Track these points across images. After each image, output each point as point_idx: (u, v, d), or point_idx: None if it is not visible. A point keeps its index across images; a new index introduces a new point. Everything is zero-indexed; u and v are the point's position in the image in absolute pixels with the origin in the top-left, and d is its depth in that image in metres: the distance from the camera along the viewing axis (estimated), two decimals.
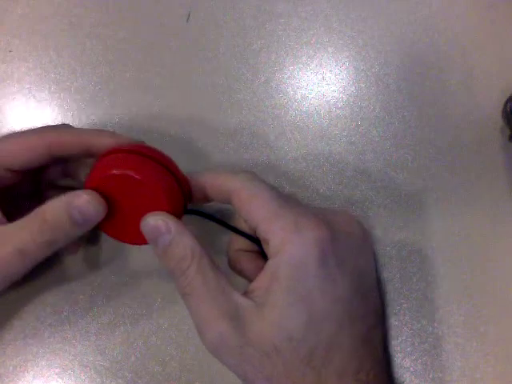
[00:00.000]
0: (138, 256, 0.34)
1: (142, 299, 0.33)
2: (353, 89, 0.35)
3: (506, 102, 0.32)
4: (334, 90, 0.35)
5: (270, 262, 0.26)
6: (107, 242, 0.34)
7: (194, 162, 0.35)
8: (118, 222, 0.27)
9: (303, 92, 0.35)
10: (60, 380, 0.33)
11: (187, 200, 0.28)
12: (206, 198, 0.29)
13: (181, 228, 0.26)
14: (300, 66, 0.36)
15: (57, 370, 0.33)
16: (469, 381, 0.30)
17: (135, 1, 0.38)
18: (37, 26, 0.38)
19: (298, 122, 0.35)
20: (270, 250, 0.26)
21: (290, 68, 0.36)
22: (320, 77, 0.36)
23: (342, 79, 0.35)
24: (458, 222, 0.33)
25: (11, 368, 0.33)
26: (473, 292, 0.32)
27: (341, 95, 0.35)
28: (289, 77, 0.36)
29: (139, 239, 0.27)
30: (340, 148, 0.34)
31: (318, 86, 0.35)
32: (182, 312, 0.33)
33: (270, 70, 0.36)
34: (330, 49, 0.36)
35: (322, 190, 0.34)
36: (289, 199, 0.28)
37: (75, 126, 0.34)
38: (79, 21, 0.38)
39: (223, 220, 0.29)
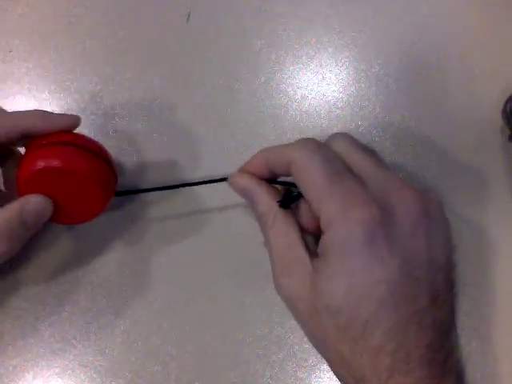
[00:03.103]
0: (138, 256, 0.34)
1: (142, 299, 0.33)
2: (353, 89, 0.35)
3: (506, 102, 0.32)
4: (334, 90, 0.35)
5: (321, 238, 0.27)
6: (107, 241, 0.34)
7: (194, 162, 0.35)
8: (61, 210, 0.29)
9: (303, 92, 0.35)
10: (60, 380, 0.33)
11: (116, 181, 0.31)
12: (273, 174, 0.30)
13: (260, 189, 0.29)
14: (300, 65, 0.36)
15: (57, 370, 0.33)
16: (469, 381, 0.30)
17: (135, 1, 0.38)
18: (37, 26, 0.38)
19: (297, 121, 0.35)
20: (321, 226, 0.27)
21: (290, 68, 0.36)
22: (320, 77, 0.36)
23: (341, 79, 0.35)
24: (458, 221, 0.33)
25: (11, 368, 0.33)
26: (473, 292, 0.32)
27: (341, 95, 0.35)
28: (289, 77, 0.36)
29: (84, 218, 0.30)
30: None
31: (318, 85, 0.35)
32: (182, 312, 0.33)
33: (270, 70, 0.36)
34: (330, 49, 0.36)
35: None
36: (343, 171, 0.27)
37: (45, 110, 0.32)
38: (79, 21, 0.38)
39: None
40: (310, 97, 0.35)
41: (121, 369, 0.33)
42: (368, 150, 0.29)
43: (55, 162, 0.27)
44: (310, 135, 0.34)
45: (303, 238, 0.28)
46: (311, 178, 0.27)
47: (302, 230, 0.28)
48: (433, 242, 0.27)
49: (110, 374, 0.32)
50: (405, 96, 0.34)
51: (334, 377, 0.31)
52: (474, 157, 0.33)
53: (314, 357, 0.32)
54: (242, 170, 0.30)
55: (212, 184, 0.31)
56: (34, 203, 0.28)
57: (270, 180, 0.30)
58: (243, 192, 0.30)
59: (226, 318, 0.33)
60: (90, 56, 0.37)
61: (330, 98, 0.35)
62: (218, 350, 0.32)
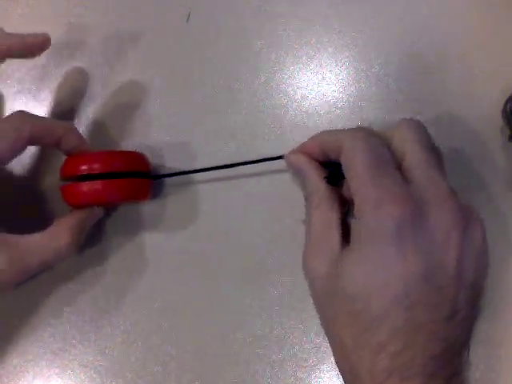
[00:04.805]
0: (138, 256, 0.34)
1: (142, 299, 0.33)
2: (353, 89, 0.35)
3: (506, 102, 0.32)
4: (334, 90, 0.35)
5: (352, 224, 0.27)
6: (107, 242, 0.34)
7: (194, 162, 0.35)
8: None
9: (303, 92, 0.35)
10: (60, 380, 0.33)
11: (150, 172, 0.33)
12: (327, 156, 0.30)
13: (311, 169, 0.31)
14: (300, 65, 0.36)
15: (57, 370, 0.33)
16: (469, 381, 0.30)
17: (135, 1, 0.38)
18: (37, 26, 0.38)
19: (297, 121, 0.35)
20: (354, 212, 0.27)
21: (290, 68, 0.36)
22: (320, 77, 0.36)
23: (342, 79, 0.35)
24: None
25: (11, 368, 0.33)
26: None
27: (341, 95, 0.35)
28: (289, 77, 0.36)
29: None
30: None
31: (318, 85, 0.35)
32: (182, 312, 0.33)
33: (270, 70, 0.36)
34: (330, 49, 0.36)
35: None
36: (387, 164, 0.27)
37: (74, 125, 0.34)
38: (79, 21, 0.38)
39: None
40: (310, 97, 0.35)
41: (121, 369, 0.33)
42: (428, 147, 0.28)
43: (100, 199, 0.31)
44: (309, 135, 0.34)
45: (342, 222, 0.28)
46: (354, 166, 0.27)
47: (348, 203, 0.30)
48: (464, 258, 0.26)
49: (110, 374, 0.33)
50: (405, 96, 0.34)
51: (334, 377, 0.31)
52: (473, 157, 0.33)
53: (314, 357, 0.32)
54: (298, 150, 0.32)
55: (212, 184, 0.31)
56: (97, 214, 0.33)
57: (324, 163, 0.31)
58: (296, 170, 0.32)
59: (226, 318, 0.33)
60: (90, 56, 0.37)
61: (329, 97, 0.35)
62: (217, 350, 0.32)
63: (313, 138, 0.31)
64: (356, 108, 0.35)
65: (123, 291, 0.33)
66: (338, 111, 0.35)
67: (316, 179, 0.30)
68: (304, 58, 0.36)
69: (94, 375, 0.33)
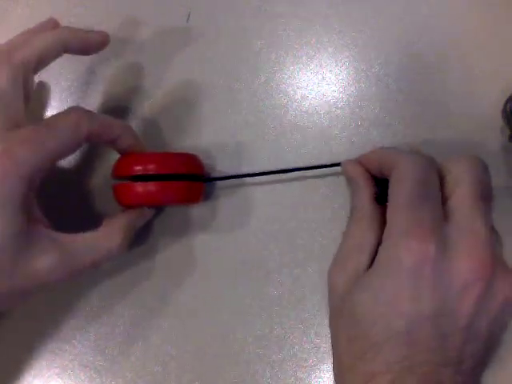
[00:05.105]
0: (138, 256, 0.34)
1: (142, 299, 0.33)
2: (353, 89, 0.35)
3: (506, 102, 0.32)
4: (333, 90, 0.35)
5: (379, 248, 0.27)
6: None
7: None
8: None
9: (303, 92, 0.35)
10: (60, 380, 0.33)
11: (203, 175, 0.33)
12: (381, 173, 0.30)
13: (363, 183, 0.30)
14: (300, 65, 0.36)
15: (57, 370, 0.33)
16: None
17: (135, 1, 0.38)
18: None
19: (297, 122, 0.35)
20: (383, 236, 0.27)
21: (290, 68, 0.36)
22: (320, 77, 0.36)
23: (342, 79, 0.35)
24: None
25: (11, 368, 0.33)
26: None
27: (341, 95, 0.35)
28: (289, 77, 0.36)
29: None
30: (340, 148, 0.34)
31: (318, 85, 0.35)
32: (182, 312, 0.33)
33: (270, 70, 0.36)
34: (330, 49, 0.36)
35: (322, 190, 0.34)
36: (430, 200, 0.26)
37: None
38: (79, 21, 0.38)
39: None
40: (310, 97, 0.35)
41: (121, 369, 0.33)
42: (481, 195, 0.27)
43: (154, 200, 0.31)
44: (309, 135, 0.34)
45: (375, 246, 0.28)
46: (398, 190, 0.27)
47: None
48: (479, 315, 0.25)
49: (109, 374, 0.33)
50: (405, 96, 0.34)
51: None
52: (473, 155, 0.33)
53: (314, 357, 0.32)
54: (357, 160, 0.31)
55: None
56: (147, 215, 0.33)
57: (378, 179, 0.30)
58: (350, 179, 0.31)
59: (226, 318, 0.33)
60: (90, 56, 0.37)
61: (329, 97, 0.35)
62: (217, 350, 0.32)
63: (373, 152, 0.31)
64: (356, 108, 0.35)
65: (123, 291, 0.33)
66: (338, 111, 0.35)
67: (364, 195, 0.30)
68: (304, 58, 0.36)
69: (94, 375, 0.33)
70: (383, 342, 0.25)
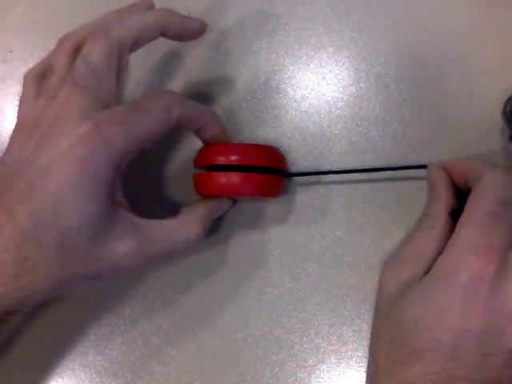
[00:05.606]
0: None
1: (142, 299, 0.33)
2: (353, 89, 0.35)
3: (506, 102, 0.32)
4: (333, 90, 0.35)
5: (440, 257, 0.27)
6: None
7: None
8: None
9: (303, 92, 0.35)
10: (60, 380, 0.33)
11: (284, 170, 0.33)
12: (465, 184, 0.29)
13: (444, 192, 0.29)
14: (300, 65, 0.36)
15: (57, 370, 0.33)
16: None
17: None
18: (37, 26, 0.38)
19: (297, 122, 0.35)
20: (447, 243, 0.27)
21: (290, 68, 0.36)
22: (320, 77, 0.36)
23: (342, 79, 0.35)
24: None
25: (12, 368, 0.33)
26: None
27: (341, 95, 0.35)
28: (289, 77, 0.36)
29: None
30: (340, 148, 0.34)
31: (318, 85, 0.35)
32: (182, 312, 0.33)
33: (270, 70, 0.36)
34: (330, 49, 0.36)
35: (322, 191, 0.34)
36: (505, 219, 0.26)
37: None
38: (79, 21, 0.38)
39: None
40: (309, 97, 0.35)
41: (121, 369, 0.33)
42: None
43: (237, 191, 0.30)
44: (309, 135, 0.34)
45: (436, 258, 0.27)
46: (475, 205, 0.26)
47: None
48: None
49: (110, 374, 0.33)
50: (405, 96, 0.34)
51: (334, 377, 0.31)
52: (473, 157, 0.33)
53: (314, 357, 0.32)
54: (443, 166, 0.30)
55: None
56: (226, 205, 0.32)
57: (458, 192, 0.30)
58: (432, 185, 0.30)
59: (226, 318, 0.33)
60: None
61: (329, 98, 0.35)
62: (218, 350, 0.32)
63: (462, 160, 0.30)
64: (356, 108, 0.35)
65: (123, 291, 0.33)
66: (338, 111, 0.35)
67: (442, 206, 0.29)
68: (304, 58, 0.36)
69: (94, 375, 0.33)
70: (426, 352, 0.25)
